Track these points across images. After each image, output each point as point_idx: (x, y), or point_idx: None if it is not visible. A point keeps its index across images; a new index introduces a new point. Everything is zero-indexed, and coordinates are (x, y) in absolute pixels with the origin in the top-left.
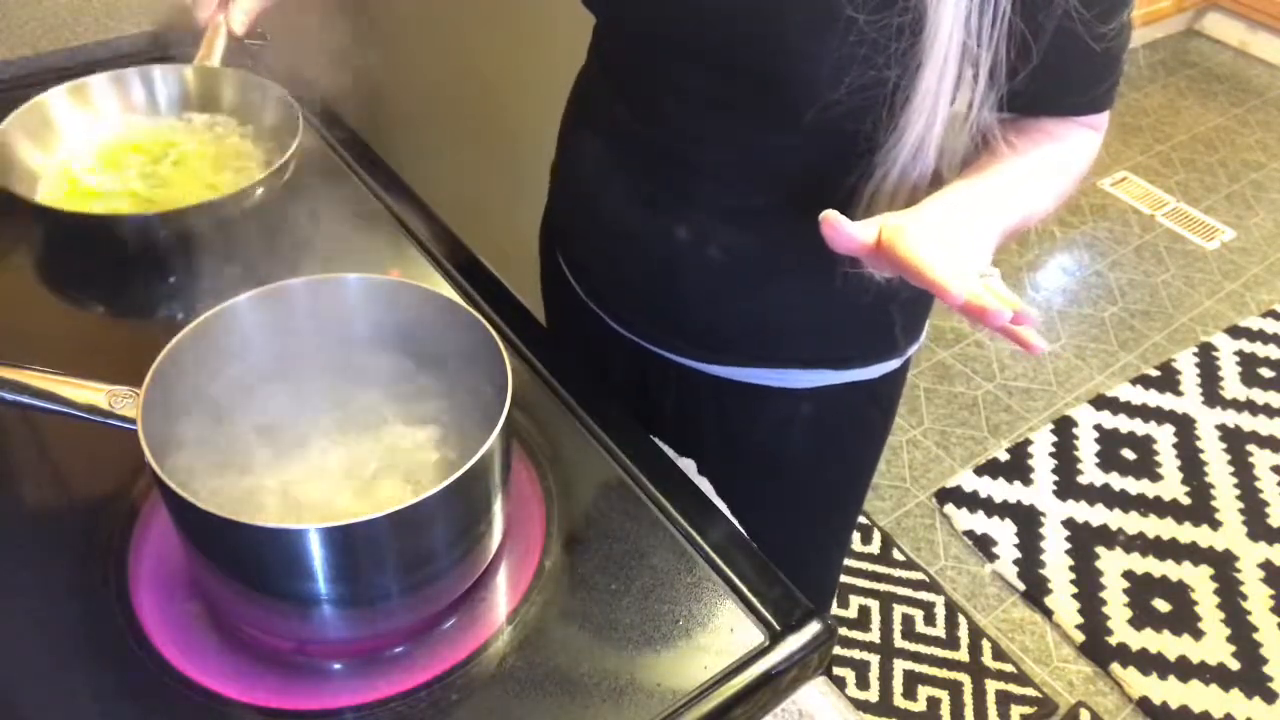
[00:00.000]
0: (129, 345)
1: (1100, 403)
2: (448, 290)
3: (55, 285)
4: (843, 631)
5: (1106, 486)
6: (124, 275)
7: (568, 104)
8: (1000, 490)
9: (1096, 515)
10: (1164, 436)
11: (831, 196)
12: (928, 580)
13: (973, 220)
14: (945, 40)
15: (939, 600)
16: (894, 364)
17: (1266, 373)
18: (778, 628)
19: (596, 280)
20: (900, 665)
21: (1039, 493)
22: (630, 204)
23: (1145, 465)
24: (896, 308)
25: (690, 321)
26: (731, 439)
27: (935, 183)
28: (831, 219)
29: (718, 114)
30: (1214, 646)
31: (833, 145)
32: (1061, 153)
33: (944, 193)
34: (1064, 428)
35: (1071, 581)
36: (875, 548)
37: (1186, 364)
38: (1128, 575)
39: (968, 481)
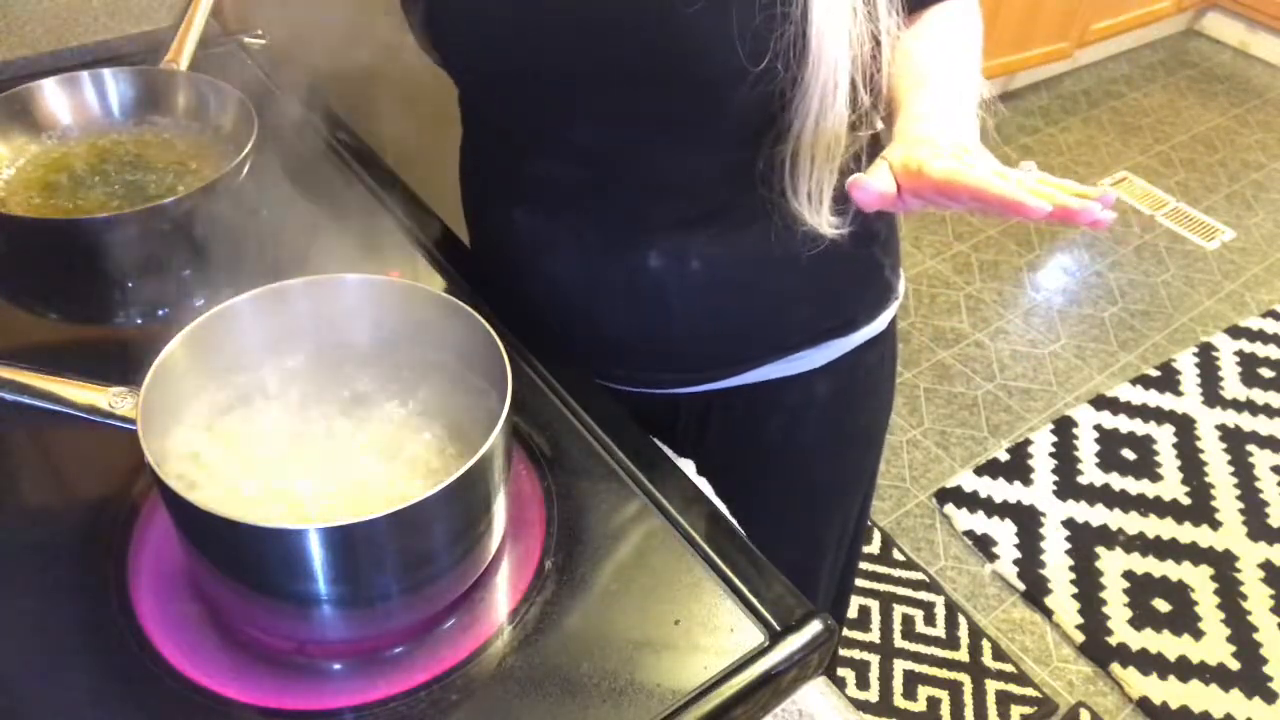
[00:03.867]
0: (127, 346)
1: (1100, 403)
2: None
3: (21, 293)
4: (843, 632)
5: (1106, 486)
6: (93, 279)
7: (465, 190)
8: (1000, 490)
9: (1096, 515)
10: (1164, 436)
11: (775, 166)
12: (928, 580)
13: (960, 124)
14: None
15: (939, 600)
16: (893, 308)
17: (1266, 373)
18: (778, 628)
19: (577, 350)
20: (900, 665)
21: (1039, 493)
22: (586, 259)
23: (1145, 465)
24: (879, 248)
25: (690, 347)
26: (737, 441)
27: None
28: (861, 181)
29: (651, 127)
30: (1214, 646)
31: (760, 116)
32: (966, 31)
33: (913, 113)
34: (1064, 428)
35: (1071, 581)
36: (875, 548)
37: (1186, 364)
38: (1128, 575)
39: (968, 481)
